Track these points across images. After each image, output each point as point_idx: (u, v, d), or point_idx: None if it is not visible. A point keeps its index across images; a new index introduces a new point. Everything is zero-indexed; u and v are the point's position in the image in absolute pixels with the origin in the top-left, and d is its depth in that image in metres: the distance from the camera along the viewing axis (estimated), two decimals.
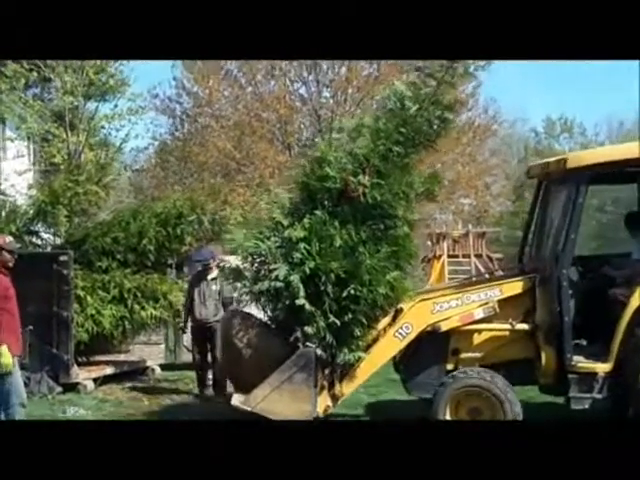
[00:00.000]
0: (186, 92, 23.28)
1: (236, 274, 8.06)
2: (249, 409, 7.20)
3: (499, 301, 8.04)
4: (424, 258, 23.89)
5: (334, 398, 7.77)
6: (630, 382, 7.75)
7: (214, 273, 10.54)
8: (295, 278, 7.27)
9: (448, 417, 7.71)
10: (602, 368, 7.90)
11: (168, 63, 23.18)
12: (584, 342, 8.10)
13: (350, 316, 7.40)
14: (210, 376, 10.47)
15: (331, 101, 22.96)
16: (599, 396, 7.88)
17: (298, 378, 7.22)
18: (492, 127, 24.19)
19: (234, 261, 8.20)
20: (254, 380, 7.45)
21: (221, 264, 10.55)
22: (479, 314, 8.02)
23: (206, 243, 12.41)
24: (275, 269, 7.39)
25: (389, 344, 7.83)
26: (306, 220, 7.53)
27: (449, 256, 22.20)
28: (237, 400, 7.37)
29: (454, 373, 7.91)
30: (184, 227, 11.76)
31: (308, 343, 7.28)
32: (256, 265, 7.73)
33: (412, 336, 7.84)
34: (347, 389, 7.79)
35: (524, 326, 8.07)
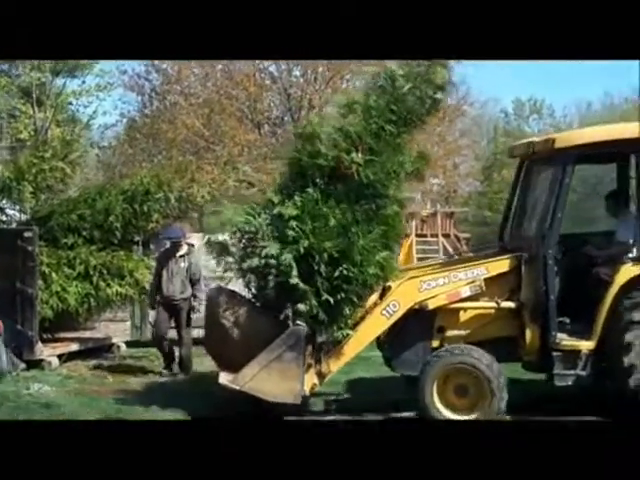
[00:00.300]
0: (155, 69, 22.98)
1: (222, 249, 7.97)
2: (238, 388, 7.16)
3: (485, 279, 8.08)
4: None
5: (320, 376, 7.76)
6: (614, 360, 7.85)
7: (183, 250, 10.47)
8: (287, 256, 7.23)
9: (435, 394, 7.74)
10: (586, 346, 7.99)
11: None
12: (567, 320, 8.19)
13: (342, 295, 7.39)
14: (176, 353, 10.44)
15: (301, 80, 22.81)
16: (583, 373, 7.98)
17: (288, 357, 7.19)
18: (462, 107, 24.29)
19: (207, 239, 8.15)
20: (240, 358, 7.41)
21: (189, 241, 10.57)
22: (466, 292, 8.04)
23: (173, 221, 12.32)
24: (265, 246, 7.34)
25: (376, 322, 7.82)
26: (297, 198, 7.48)
27: (417, 235, 22.30)
28: (225, 379, 7.33)
29: (439, 350, 7.93)
30: (151, 204, 11.58)
31: (298, 321, 7.24)
32: (244, 241, 7.66)
33: (399, 314, 7.83)
34: (334, 367, 7.78)
35: (510, 304, 8.11)
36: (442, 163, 22.50)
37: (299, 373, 7.26)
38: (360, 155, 7.54)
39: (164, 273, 10.35)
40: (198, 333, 9.96)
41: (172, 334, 10.52)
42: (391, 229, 7.78)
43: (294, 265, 7.21)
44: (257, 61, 22.74)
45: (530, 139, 9.05)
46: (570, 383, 8.03)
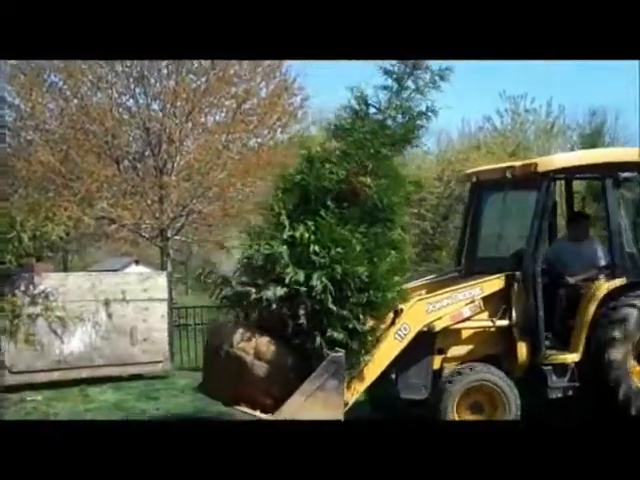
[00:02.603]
0: (7, 105, 21.76)
1: (223, 281, 7.76)
2: None
3: (482, 299, 8.39)
4: None
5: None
6: (599, 374, 8.41)
7: None
8: (318, 282, 7.14)
9: (455, 413, 7.92)
10: (571, 358, 8.50)
11: None
12: (550, 335, 8.66)
13: (369, 321, 7.40)
14: None
15: (160, 114, 22.41)
16: (574, 384, 8.46)
17: (330, 385, 7.07)
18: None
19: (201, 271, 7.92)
20: (263, 392, 7.24)
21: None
22: (467, 312, 8.34)
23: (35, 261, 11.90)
24: (288, 273, 7.20)
25: (391, 345, 7.88)
26: (310, 222, 7.41)
27: None
28: (264, 414, 7.09)
29: (458, 369, 8.12)
30: (3, 245, 11.10)
31: (337, 348, 7.17)
32: (256, 270, 7.45)
33: (410, 336, 7.96)
34: (356, 392, 7.74)
35: (503, 322, 8.46)
36: None
37: (341, 401, 7.18)
38: (369, 179, 7.60)
39: None
40: None
41: None
42: (401, 253, 7.88)
43: (328, 291, 7.13)
44: (115, 95, 22.24)
45: (505, 164, 9.52)
46: (561, 395, 8.49)
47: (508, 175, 8.83)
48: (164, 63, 21.43)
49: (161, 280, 13.86)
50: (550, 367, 8.48)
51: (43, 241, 11.60)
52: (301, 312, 7.24)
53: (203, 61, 21.14)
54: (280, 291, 7.25)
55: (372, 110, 8.19)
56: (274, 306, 7.33)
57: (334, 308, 7.16)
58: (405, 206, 8.12)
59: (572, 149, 25.74)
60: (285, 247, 7.36)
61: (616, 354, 8.36)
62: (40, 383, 12.22)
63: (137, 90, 22.37)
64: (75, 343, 12.77)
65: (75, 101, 22.04)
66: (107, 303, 13.07)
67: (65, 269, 31.07)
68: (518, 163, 9.16)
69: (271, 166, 22.21)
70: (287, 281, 7.25)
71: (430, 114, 8.24)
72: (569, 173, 8.89)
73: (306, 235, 7.38)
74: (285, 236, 7.45)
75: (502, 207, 9.37)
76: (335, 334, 7.19)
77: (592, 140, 25.64)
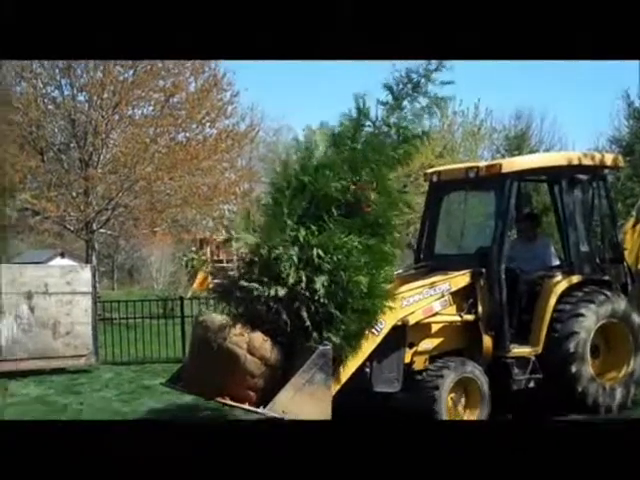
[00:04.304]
0: None
1: (224, 276, 7.84)
2: (277, 416, 7.08)
3: (451, 294, 8.71)
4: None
5: None
6: (559, 367, 8.84)
7: None
8: (321, 287, 7.26)
9: (449, 405, 8.24)
10: (533, 351, 8.91)
11: None
12: (512, 330, 9.04)
13: (362, 326, 7.61)
14: None
15: (86, 105, 22.11)
16: (535, 376, 8.88)
17: (318, 378, 7.19)
18: (249, 135, 24.82)
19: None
20: (252, 386, 7.34)
21: None
22: (437, 307, 8.62)
23: None
24: (289, 274, 7.32)
25: (367, 340, 8.01)
26: (314, 226, 7.56)
27: (214, 261, 22.41)
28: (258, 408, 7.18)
29: (449, 363, 8.41)
30: None
31: (325, 342, 7.33)
32: (258, 268, 7.56)
33: (385, 331, 8.14)
34: (335, 387, 7.91)
35: (469, 317, 8.79)
36: (232, 189, 22.86)
37: (329, 394, 7.32)
38: (373, 192, 7.78)
39: None
40: None
41: None
42: (392, 267, 8.06)
43: (332, 296, 7.27)
44: (40, 86, 21.82)
45: (467, 164, 9.87)
46: (523, 387, 8.90)
47: (471, 175, 9.16)
48: None
49: (85, 273, 13.72)
50: (513, 360, 8.86)
51: None
52: (303, 313, 7.30)
53: None
54: (281, 291, 7.33)
55: (368, 123, 8.37)
56: (272, 304, 7.38)
57: (337, 313, 7.31)
58: (399, 224, 8.26)
59: (498, 151, 26.52)
60: (297, 249, 7.45)
61: (576, 347, 8.80)
62: None
63: (63, 81, 22.08)
64: None
65: None
66: (29, 296, 12.95)
67: None
68: (482, 164, 9.53)
69: (198, 160, 22.29)
70: (290, 282, 7.34)
71: (425, 139, 8.49)
72: (530, 174, 9.31)
73: (310, 238, 7.50)
74: (287, 236, 7.55)
75: (461, 206, 9.71)
76: (332, 336, 7.33)
77: (517, 142, 26.42)
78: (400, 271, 9.41)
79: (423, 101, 8.32)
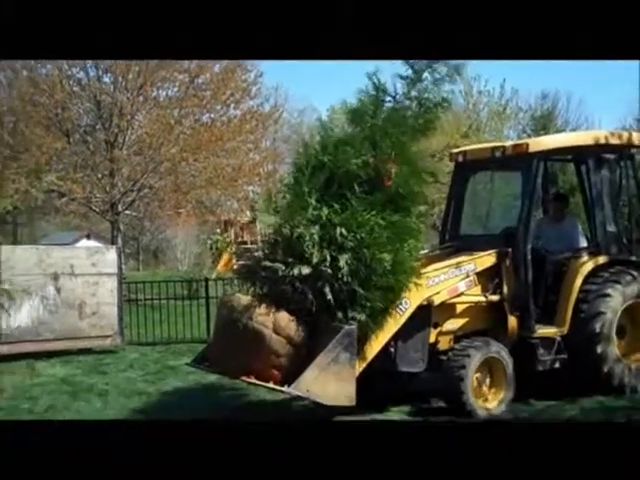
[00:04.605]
0: None
1: (249, 257, 7.87)
2: (301, 394, 7.12)
3: (476, 274, 8.68)
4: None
5: None
6: (585, 347, 8.80)
7: None
8: (345, 265, 7.27)
9: (474, 384, 8.26)
10: (559, 332, 8.87)
11: None
12: (538, 310, 9.00)
13: (387, 304, 7.60)
14: None
15: (111, 87, 22.15)
16: (561, 356, 8.84)
17: (342, 357, 7.24)
18: (274, 115, 24.82)
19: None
20: (277, 365, 7.37)
21: None
22: (462, 287, 8.60)
23: None
24: (312, 253, 7.32)
25: (392, 320, 8.05)
26: (336, 205, 7.54)
27: (239, 243, 22.58)
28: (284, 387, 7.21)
29: (475, 343, 8.41)
30: None
31: (350, 321, 7.34)
32: (282, 248, 7.57)
33: (410, 311, 8.15)
34: (360, 367, 7.92)
35: (495, 297, 8.76)
36: (256, 170, 22.87)
37: (353, 374, 7.35)
38: (395, 166, 7.75)
39: None
40: None
41: None
42: (417, 241, 8.00)
43: (355, 273, 7.26)
44: (65, 67, 21.85)
45: (493, 144, 9.80)
46: (548, 367, 8.87)
47: (497, 155, 9.11)
48: None
49: (110, 255, 13.83)
50: (538, 340, 8.83)
51: None
52: (327, 291, 7.31)
53: None
54: (306, 269, 7.35)
55: (388, 98, 8.36)
56: (297, 284, 7.41)
57: (360, 290, 7.31)
58: (423, 195, 8.23)
59: (524, 131, 26.31)
60: (317, 227, 7.45)
61: (602, 327, 8.75)
62: None
63: (88, 62, 22.02)
64: (22, 317, 12.69)
65: (25, 72, 21.68)
66: (55, 277, 13.05)
67: (15, 242, 30.59)
68: (508, 143, 9.45)
69: (222, 142, 22.30)
70: (314, 261, 7.36)
71: (446, 104, 8.45)
72: (556, 154, 9.24)
73: (332, 216, 7.50)
74: (310, 215, 7.56)
75: (487, 186, 9.66)
76: (356, 314, 7.35)
77: (543, 122, 26.21)
78: (426, 251, 9.40)
79: (442, 70, 8.29)
